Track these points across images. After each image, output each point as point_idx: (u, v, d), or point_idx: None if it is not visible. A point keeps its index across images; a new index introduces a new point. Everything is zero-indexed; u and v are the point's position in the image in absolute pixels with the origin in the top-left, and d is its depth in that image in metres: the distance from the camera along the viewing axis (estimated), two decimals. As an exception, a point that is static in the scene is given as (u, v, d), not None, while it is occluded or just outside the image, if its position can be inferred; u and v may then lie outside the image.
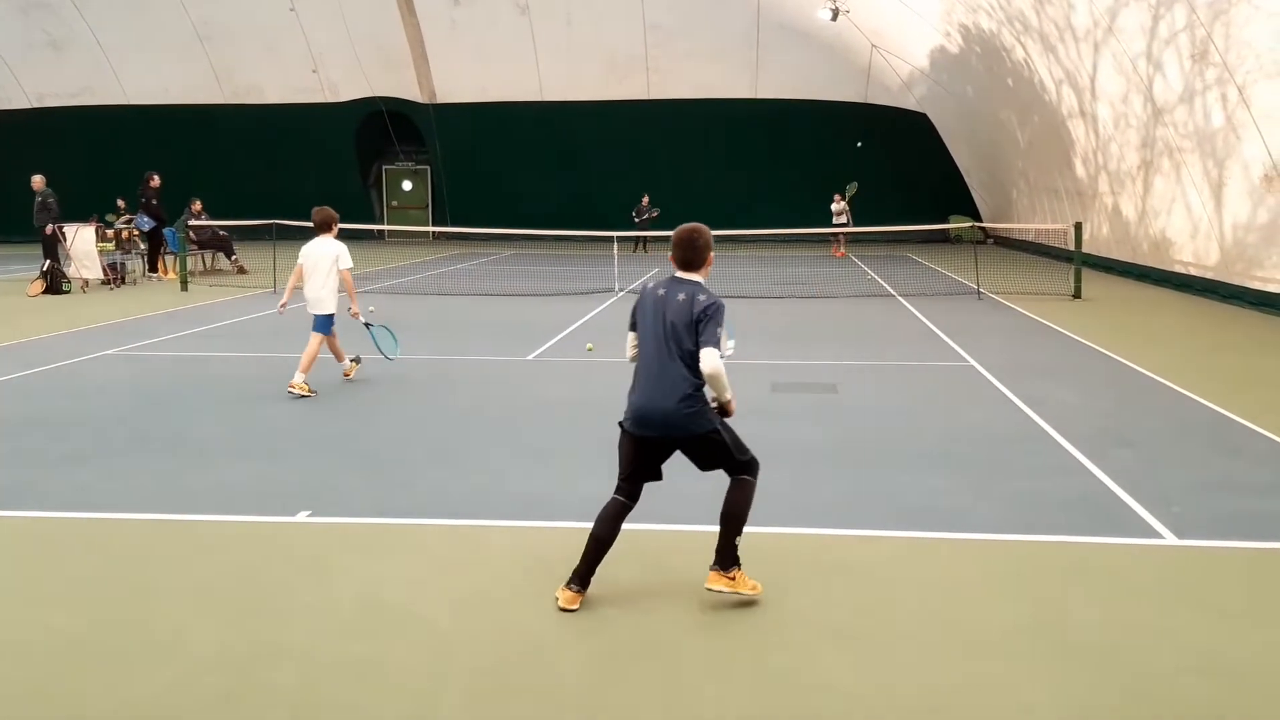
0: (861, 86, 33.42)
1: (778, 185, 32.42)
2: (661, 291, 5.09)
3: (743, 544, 5.05)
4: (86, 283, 20.13)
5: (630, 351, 5.21)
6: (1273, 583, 5.36)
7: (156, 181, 22.51)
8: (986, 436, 8.43)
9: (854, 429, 8.71)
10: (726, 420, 5.10)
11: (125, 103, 35.62)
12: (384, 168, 37.94)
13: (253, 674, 4.34)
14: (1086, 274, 19.34)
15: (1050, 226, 25.62)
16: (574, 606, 4.98)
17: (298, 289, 10.47)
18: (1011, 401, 9.69)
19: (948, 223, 30.73)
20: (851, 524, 6.25)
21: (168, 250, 22.83)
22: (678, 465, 5.19)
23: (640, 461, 5.14)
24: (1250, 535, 6.03)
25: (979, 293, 18.74)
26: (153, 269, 22.57)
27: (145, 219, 22.44)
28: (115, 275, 20.74)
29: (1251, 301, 16.33)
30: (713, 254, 5.19)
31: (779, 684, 4.27)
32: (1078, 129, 22.85)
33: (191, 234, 22.18)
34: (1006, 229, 30.52)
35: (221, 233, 23.72)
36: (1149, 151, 19.44)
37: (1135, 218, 20.95)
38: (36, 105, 36.12)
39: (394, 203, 37.99)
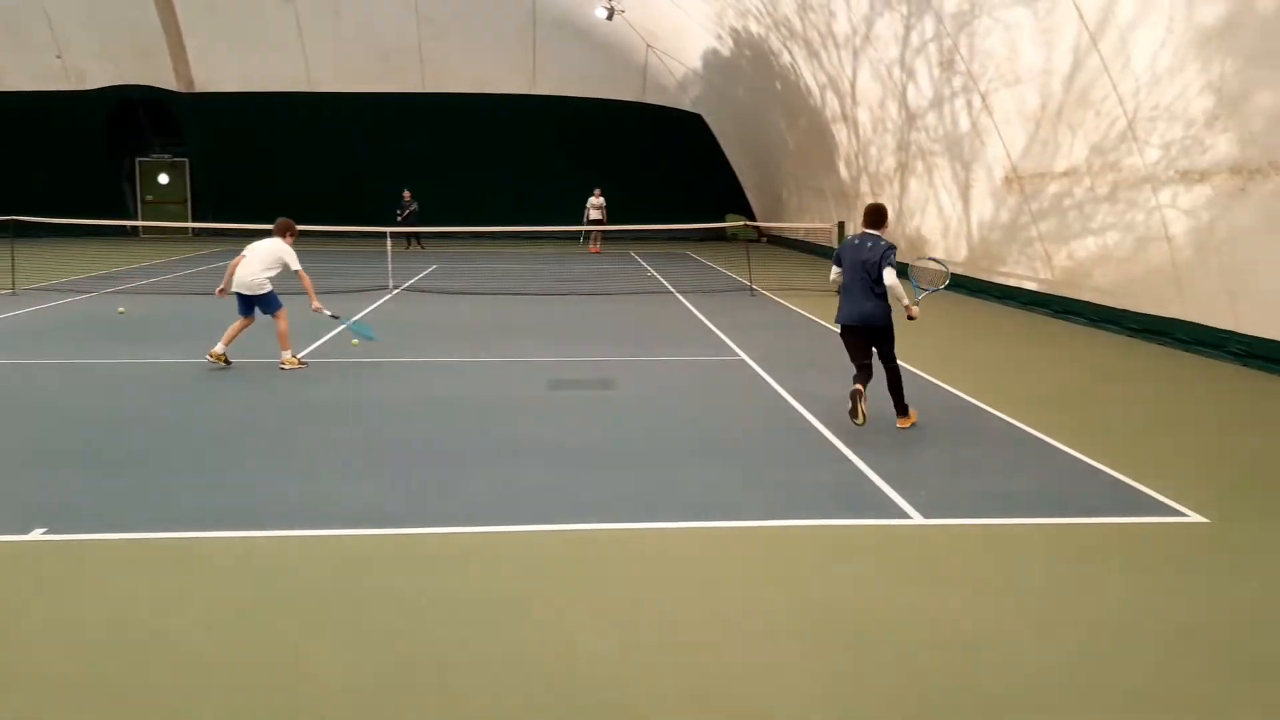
0: (639, 86, 33.95)
1: (555, 182, 32.48)
2: (857, 241, 8.42)
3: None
4: None
5: (833, 277, 8.60)
6: (1010, 556, 5.75)
7: None
8: (757, 428, 8.69)
9: (630, 424, 8.79)
10: (911, 319, 8.46)
11: None
12: (138, 160, 35.65)
13: (-29, 712, 3.94)
14: (850, 270, 20.27)
15: (817, 226, 26.79)
16: (862, 388, 8.23)
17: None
18: (779, 394, 10.03)
19: (724, 221, 31.66)
20: (627, 518, 6.29)
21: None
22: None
23: (855, 345, 8.49)
24: (990, 513, 6.46)
25: (752, 289, 19.38)
26: None
27: None
28: None
29: (996, 295, 17.59)
30: (890, 217, 8.83)
31: (554, 681, 4.23)
32: (841, 132, 23.98)
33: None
34: (779, 228, 31.71)
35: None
36: (904, 154, 20.62)
37: (894, 217, 22.15)
38: None
39: (150, 197, 35.77)
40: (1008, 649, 4.58)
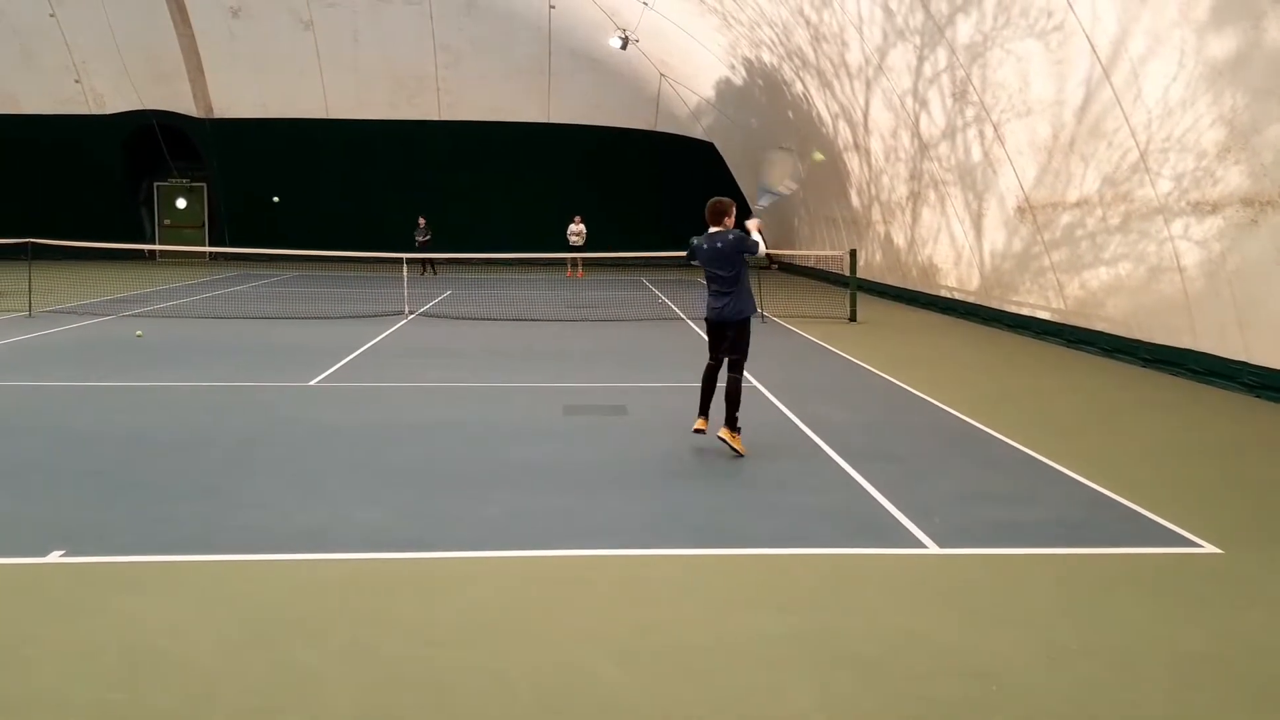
0: (651, 115, 34.18)
1: (569, 209, 32.68)
2: (706, 245, 8.41)
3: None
4: None
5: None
6: (1023, 585, 5.74)
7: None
8: (767, 454, 8.69)
9: (642, 449, 8.81)
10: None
11: None
12: (156, 184, 35.99)
13: (-14, 730, 3.97)
14: (861, 298, 20.37)
15: (828, 253, 26.85)
16: (703, 428, 8.52)
17: None
18: (791, 420, 10.05)
19: (735, 248, 31.76)
20: (637, 543, 6.31)
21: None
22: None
23: (717, 338, 8.58)
24: (1003, 542, 6.45)
25: (763, 316, 19.39)
26: (-113, 290, 20.55)
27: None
28: None
29: (1008, 324, 17.59)
30: (733, 209, 8.45)
31: (560, 706, 4.24)
32: (853, 161, 24.07)
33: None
34: (789, 255, 31.78)
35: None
36: (917, 183, 20.68)
37: (905, 245, 22.22)
38: None
39: (167, 221, 36.08)
40: (1020, 679, 4.58)
